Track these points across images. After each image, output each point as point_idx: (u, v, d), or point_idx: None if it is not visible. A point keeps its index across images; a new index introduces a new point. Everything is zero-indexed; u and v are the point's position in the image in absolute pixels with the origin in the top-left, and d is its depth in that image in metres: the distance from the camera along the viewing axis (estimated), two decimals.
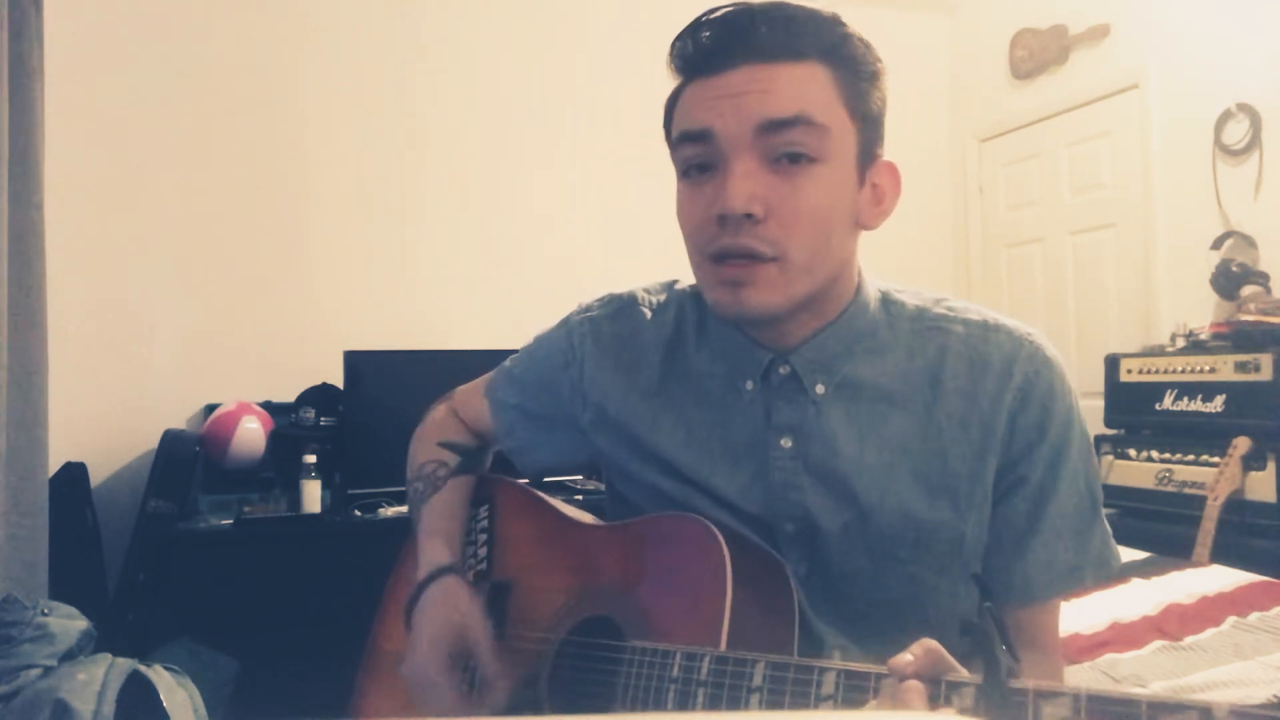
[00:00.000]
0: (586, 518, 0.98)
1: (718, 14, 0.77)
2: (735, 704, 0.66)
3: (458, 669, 0.86)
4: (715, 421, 0.86)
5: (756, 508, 0.83)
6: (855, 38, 0.78)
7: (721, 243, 0.75)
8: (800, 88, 0.74)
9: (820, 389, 0.83)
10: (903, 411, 0.82)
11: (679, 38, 0.79)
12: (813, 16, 0.76)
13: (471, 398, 1.07)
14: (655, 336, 0.92)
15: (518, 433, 1.02)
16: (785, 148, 0.74)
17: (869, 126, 0.79)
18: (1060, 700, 0.54)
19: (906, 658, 0.60)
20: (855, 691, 0.62)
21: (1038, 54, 3.73)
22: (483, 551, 1.01)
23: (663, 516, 0.85)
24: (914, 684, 0.58)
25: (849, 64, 0.77)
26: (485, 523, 1.02)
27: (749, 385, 0.85)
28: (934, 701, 0.58)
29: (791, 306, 0.78)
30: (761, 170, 0.74)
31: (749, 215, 0.73)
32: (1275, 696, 1.42)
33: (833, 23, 0.77)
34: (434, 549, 0.95)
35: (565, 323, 0.99)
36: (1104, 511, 0.85)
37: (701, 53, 0.77)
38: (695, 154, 0.77)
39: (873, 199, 0.81)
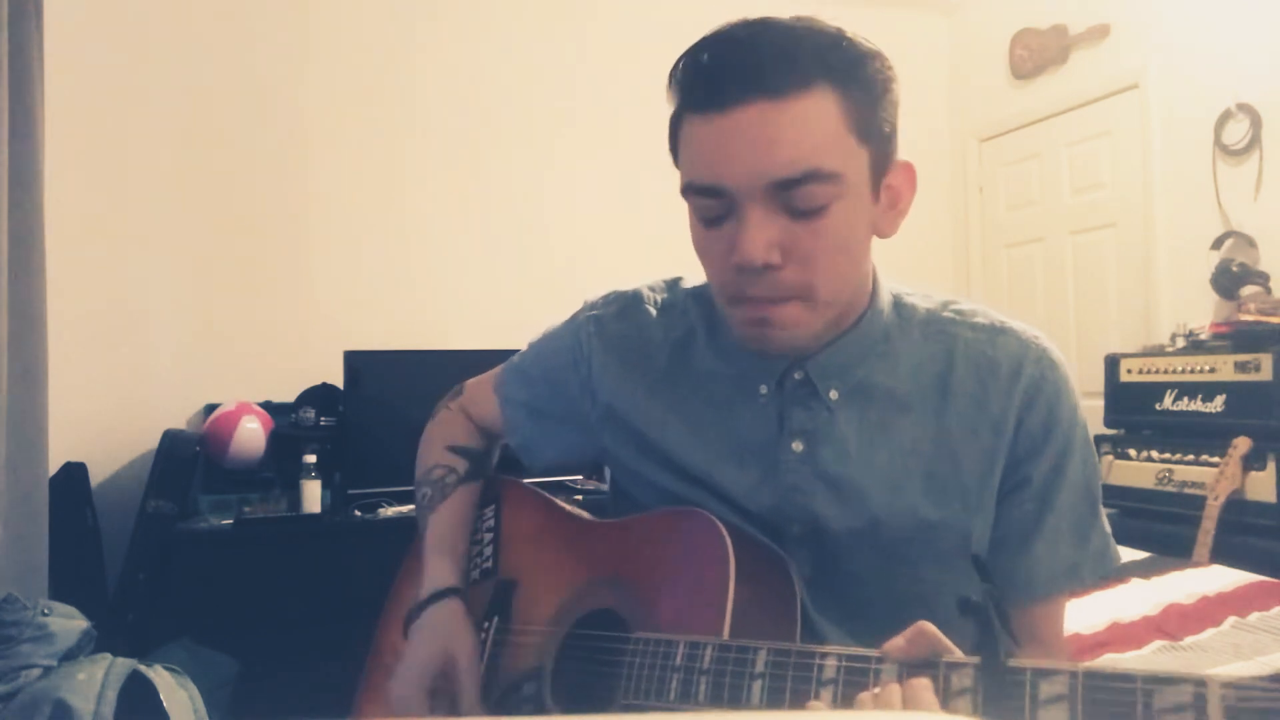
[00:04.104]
0: (590, 516, 0.99)
1: (718, 35, 0.74)
2: (737, 691, 0.67)
3: (439, 696, 0.88)
4: (723, 421, 0.86)
5: (763, 509, 0.83)
6: (862, 52, 0.74)
7: (741, 290, 0.76)
8: (808, 132, 0.70)
9: (834, 394, 0.83)
10: (913, 416, 0.82)
11: (679, 64, 0.76)
12: (816, 36, 0.72)
13: (480, 393, 1.07)
14: (661, 335, 0.92)
15: (525, 429, 1.02)
16: (798, 203, 0.72)
17: (880, 144, 0.75)
18: (1057, 678, 0.55)
19: (899, 642, 0.61)
20: (856, 675, 0.63)
21: (1038, 54, 3.73)
22: (489, 550, 1.01)
23: (666, 511, 0.85)
24: (924, 681, 0.58)
25: (857, 84, 0.73)
26: (491, 522, 1.03)
27: (763, 390, 0.85)
28: (933, 681, 0.59)
29: (819, 334, 0.79)
30: (776, 216, 0.72)
31: (767, 265, 0.73)
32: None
33: (838, 38, 0.73)
34: (440, 567, 0.96)
35: (572, 320, 0.98)
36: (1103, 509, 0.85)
37: (703, 84, 0.73)
38: (708, 206, 0.75)
39: (888, 202, 0.79)
